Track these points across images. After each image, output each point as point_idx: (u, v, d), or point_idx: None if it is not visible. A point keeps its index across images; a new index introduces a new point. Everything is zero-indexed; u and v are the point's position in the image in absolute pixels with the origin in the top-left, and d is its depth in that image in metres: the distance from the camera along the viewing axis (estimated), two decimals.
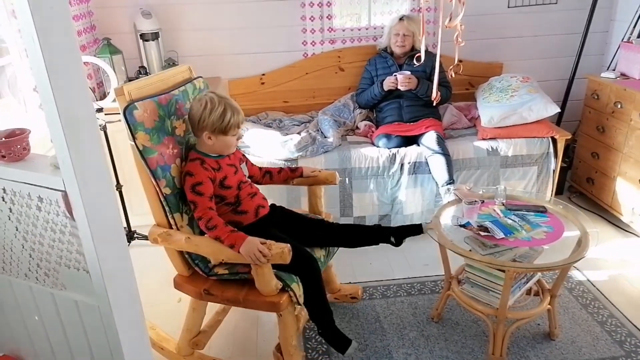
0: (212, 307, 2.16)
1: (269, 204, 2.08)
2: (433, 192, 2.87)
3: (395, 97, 3.07)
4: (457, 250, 1.96)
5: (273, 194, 2.73)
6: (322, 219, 2.17)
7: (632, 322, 2.23)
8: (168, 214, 1.81)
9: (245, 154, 2.15)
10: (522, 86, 3.02)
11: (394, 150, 2.84)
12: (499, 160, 2.91)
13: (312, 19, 3.30)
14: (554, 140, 2.91)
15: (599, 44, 3.57)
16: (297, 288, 1.80)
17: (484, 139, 2.94)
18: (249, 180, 2.03)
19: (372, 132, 3.07)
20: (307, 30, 3.33)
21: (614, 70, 3.18)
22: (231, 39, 3.30)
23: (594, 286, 2.48)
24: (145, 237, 2.78)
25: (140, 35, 3.04)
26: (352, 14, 3.42)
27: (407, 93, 3.02)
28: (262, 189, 2.64)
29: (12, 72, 2.38)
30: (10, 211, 1.39)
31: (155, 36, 3.06)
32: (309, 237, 2.02)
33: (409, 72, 2.98)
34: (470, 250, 2.00)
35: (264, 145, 2.83)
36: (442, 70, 2.83)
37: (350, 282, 2.55)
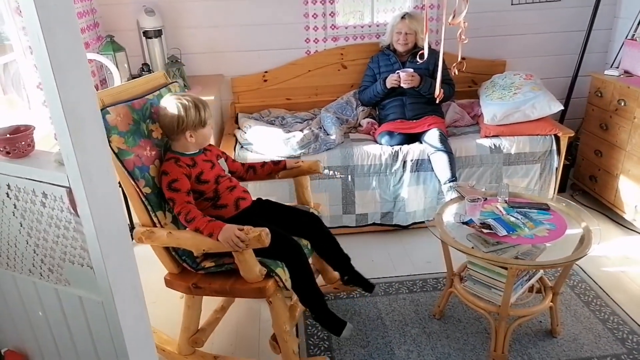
0: (211, 306, 2.17)
1: (255, 198, 2.12)
2: (435, 190, 2.87)
3: (398, 95, 3.07)
4: (460, 248, 1.97)
5: (275, 191, 2.74)
6: (307, 210, 2.18)
7: (634, 320, 2.23)
8: (151, 212, 1.86)
9: (224, 152, 2.18)
10: (525, 84, 3.02)
11: (397, 147, 2.84)
12: (501, 158, 2.91)
13: (315, 16, 3.29)
14: (557, 138, 2.91)
15: (603, 41, 3.55)
16: (283, 273, 1.83)
17: (486, 137, 2.93)
18: (229, 175, 2.07)
19: (375, 129, 3.07)
20: (310, 28, 3.33)
21: (617, 67, 3.17)
22: (234, 36, 3.30)
23: (596, 284, 2.48)
24: None
25: (144, 32, 3.05)
26: (355, 11, 3.42)
27: (410, 90, 3.01)
28: (266, 187, 2.65)
29: (16, 69, 2.38)
30: (15, 207, 1.40)
31: (158, 33, 3.07)
32: (295, 227, 2.05)
33: (411, 70, 2.98)
34: (472, 248, 2.00)
35: (267, 143, 2.84)
36: (445, 68, 2.83)
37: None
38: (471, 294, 2.08)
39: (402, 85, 2.98)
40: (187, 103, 1.86)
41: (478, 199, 2.12)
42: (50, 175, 1.27)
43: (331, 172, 2.82)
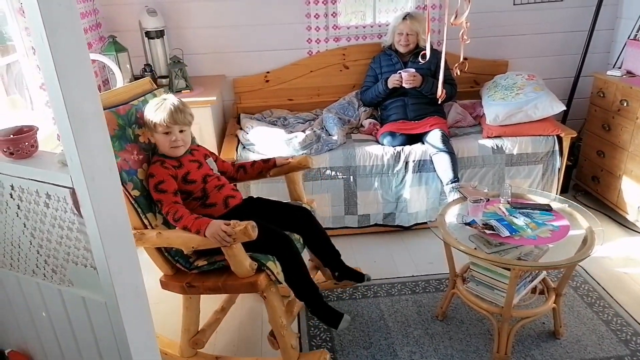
0: (210, 307, 2.17)
1: (247, 196, 2.14)
2: (438, 191, 2.86)
3: (400, 95, 3.06)
4: (462, 249, 1.96)
5: (277, 191, 2.73)
6: (298, 206, 2.19)
7: (637, 321, 2.22)
8: (141, 214, 1.88)
9: (213, 153, 2.20)
10: (527, 84, 3.01)
11: (399, 148, 2.84)
12: (504, 159, 2.90)
13: (316, 16, 3.29)
14: (560, 139, 2.91)
15: (605, 41, 3.55)
16: (274, 266, 1.83)
17: (489, 137, 2.93)
18: (217, 174, 2.08)
19: (377, 130, 3.07)
20: (312, 28, 3.33)
21: (620, 68, 3.17)
22: (236, 37, 3.31)
23: (600, 285, 2.47)
24: None
25: (146, 33, 3.05)
26: (357, 11, 3.42)
27: (412, 91, 3.01)
28: (267, 187, 2.65)
29: (19, 69, 2.39)
30: (19, 208, 1.40)
31: (160, 34, 3.07)
32: (287, 222, 2.05)
33: (413, 70, 2.98)
34: (475, 249, 2.00)
35: (269, 143, 2.84)
36: (447, 68, 2.83)
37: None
38: (474, 295, 2.07)
39: (404, 85, 2.97)
40: (155, 101, 1.92)
41: (480, 199, 2.12)
42: (53, 175, 1.27)
43: (333, 173, 2.82)
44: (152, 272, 2.24)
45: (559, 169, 2.96)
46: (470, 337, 2.17)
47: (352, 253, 2.80)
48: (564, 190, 3.27)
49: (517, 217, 2.08)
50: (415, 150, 2.83)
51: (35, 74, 2.35)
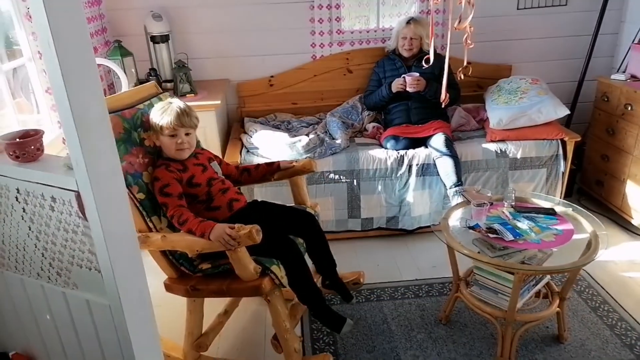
0: (214, 310, 2.17)
1: (252, 200, 2.15)
2: (441, 194, 2.86)
3: (403, 99, 3.07)
4: (466, 252, 1.96)
5: (280, 195, 2.74)
6: (302, 210, 2.19)
7: None
8: (146, 217, 1.88)
9: (217, 156, 2.20)
10: (531, 88, 3.01)
11: (402, 152, 2.85)
12: (507, 163, 2.90)
13: (320, 21, 3.30)
14: (564, 143, 2.90)
15: (609, 45, 3.54)
16: (278, 270, 1.83)
17: (492, 141, 2.93)
18: (222, 177, 2.09)
19: (380, 133, 3.08)
20: (316, 33, 3.34)
21: (624, 72, 3.16)
22: (240, 41, 3.32)
23: (604, 289, 2.46)
24: None
25: (151, 37, 3.07)
26: (361, 16, 3.43)
27: (416, 95, 3.01)
28: (270, 189, 2.66)
29: (25, 73, 2.41)
30: (24, 211, 1.41)
31: (165, 38, 3.09)
32: (290, 226, 2.05)
33: (417, 74, 2.98)
34: (478, 252, 1.99)
35: (273, 147, 2.84)
36: (450, 72, 2.83)
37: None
38: (477, 299, 2.07)
39: (407, 89, 2.98)
40: (161, 104, 1.93)
41: (484, 203, 2.12)
42: (59, 179, 1.28)
43: (336, 177, 2.82)
44: (155, 274, 2.25)
45: (563, 173, 2.95)
46: (474, 341, 2.17)
47: (355, 257, 2.80)
48: (568, 194, 3.26)
49: (521, 221, 2.08)
50: (418, 154, 2.83)
51: (41, 78, 2.36)
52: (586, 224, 2.10)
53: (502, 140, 2.92)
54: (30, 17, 2.23)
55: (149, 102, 2.06)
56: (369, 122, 3.22)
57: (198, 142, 2.17)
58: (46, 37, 1.05)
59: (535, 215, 2.14)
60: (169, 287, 1.98)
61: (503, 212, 2.16)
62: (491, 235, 1.98)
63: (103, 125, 1.21)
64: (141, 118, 1.98)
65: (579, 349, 2.10)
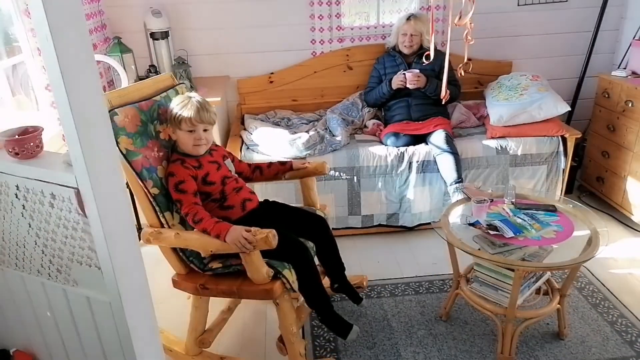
0: (217, 306, 2.17)
1: (263, 200, 2.12)
2: (441, 191, 2.86)
3: (403, 96, 3.06)
4: (466, 249, 1.96)
5: (281, 193, 2.74)
6: (314, 213, 2.18)
7: None
8: (159, 213, 1.87)
9: (230, 153, 2.19)
10: (531, 85, 3.01)
11: (402, 148, 2.84)
12: (508, 159, 2.90)
13: (320, 17, 3.30)
14: (564, 139, 2.90)
15: (610, 42, 3.53)
16: (290, 274, 1.83)
17: (493, 138, 2.92)
18: (235, 175, 2.07)
19: (381, 130, 3.07)
20: (316, 29, 3.33)
21: (624, 68, 3.15)
22: (240, 38, 3.31)
23: (604, 286, 2.46)
24: None
25: (151, 34, 3.06)
26: (361, 12, 3.42)
27: (416, 91, 3.01)
28: (271, 188, 2.66)
29: (24, 70, 2.40)
30: (24, 208, 1.41)
31: (165, 35, 3.08)
32: (301, 229, 2.04)
33: (417, 70, 2.98)
34: (479, 249, 1.99)
35: (273, 144, 2.84)
36: (451, 69, 2.82)
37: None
38: (478, 295, 2.07)
39: (407, 86, 2.97)
40: (180, 99, 1.90)
41: (484, 200, 2.12)
42: (58, 176, 1.28)
43: (337, 173, 2.82)
44: (160, 268, 2.26)
45: (564, 170, 2.95)
46: (474, 337, 2.17)
47: (355, 254, 2.80)
48: (568, 191, 3.26)
49: (521, 218, 2.07)
50: (419, 151, 2.83)
51: (40, 75, 2.36)
52: (586, 221, 2.10)
53: (503, 137, 2.92)
54: (29, 13, 2.22)
55: (165, 94, 2.03)
56: (369, 119, 3.22)
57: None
58: (45, 34, 1.05)
59: (536, 212, 2.13)
60: (177, 283, 1.96)
61: (503, 208, 2.16)
62: (491, 232, 1.98)
63: (102, 122, 1.21)
64: (157, 110, 1.94)
65: (580, 345, 2.10)
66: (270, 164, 2.23)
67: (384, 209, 2.93)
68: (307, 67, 3.41)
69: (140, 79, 2.89)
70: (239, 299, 1.88)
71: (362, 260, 2.73)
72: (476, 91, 3.45)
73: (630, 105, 2.90)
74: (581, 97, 3.46)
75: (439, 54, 2.94)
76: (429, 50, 1.89)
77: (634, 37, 3.24)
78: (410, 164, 2.82)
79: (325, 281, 2.36)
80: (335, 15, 3.31)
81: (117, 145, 1.75)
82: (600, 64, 3.52)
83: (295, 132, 2.97)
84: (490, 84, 3.25)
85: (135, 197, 1.88)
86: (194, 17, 3.23)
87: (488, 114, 3.04)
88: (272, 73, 3.41)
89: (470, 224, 2.07)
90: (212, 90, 3.04)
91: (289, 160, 2.25)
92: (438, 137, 2.82)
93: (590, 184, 3.33)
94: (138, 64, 3.11)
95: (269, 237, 1.67)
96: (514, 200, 2.22)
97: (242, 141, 3.02)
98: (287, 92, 3.45)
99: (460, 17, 1.69)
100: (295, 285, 1.85)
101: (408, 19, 3.04)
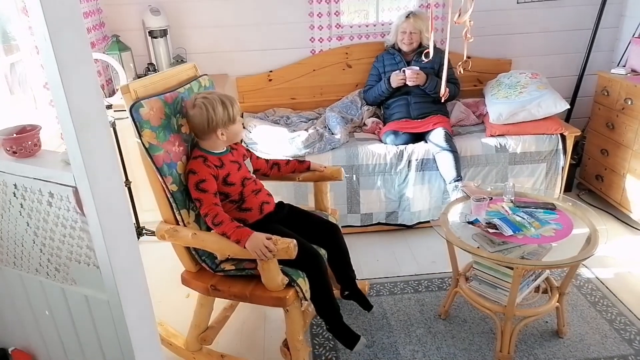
0: (220, 304, 2.17)
1: (277, 202, 2.09)
2: (441, 189, 2.86)
3: (403, 94, 3.06)
4: (465, 247, 1.96)
5: (280, 191, 2.74)
6: (327, 220, 2.16)
7: None
8: (175, 210, 1.83)
9: (249, 149, 2.17)
10: (531, 82, 3.00)
11: (402, 147, 2.84)
12: (507, 157, 2.90)
13: (319, 15, 3.29)
14: (563, 137, 2.90)
15: (609, 39, 3.53)
16: (304, 283, 1.81)
17: (492, 136, 2.92)
18: (254, 176, 2.05)
19: (380, 128, 3.07)
20: (315, 27, 3.33)
21: (624, 66, 3.16)
22: (239, 36, 3.31)
23: (603, 284, 2.46)
24: (154, 233, 2.80)
25: (149, 32, 3.06)
26: (360, 10, 3.41)
27: (415, 89, 3.01)
28: (271, 185, 2.65)
29: (22, 68, 2.40)
30: (22, 207, 1.40)
31: (163, 33, 3.07)
32: (314, 235, 2.03)
33: (417, 67, 2.97)
34: (478, 247, 1.99)
35: (272, 142, 2.84)
36: (450, 67, 2.82)
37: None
38: (477, 294, 2.07)
39: (407, 83, 2.97)
40: (213, 101, 1.82)
41: (484, 198, 2.11)
42: (56, 174, 1.28)
43: None
44: (158, 267, 2.26)
45: (563, 168, 2.95)
46: (473, 336, 2.17)
47: (354, 252, 2.78)
48: (567, 189, 3.26)
49: (520, 216, 2.07)
50: (418, 149, 2.83)
51: (38, 73, 2.35)
52: (586, 219, 2.10)
53: (502, 135, 2.91)
54: (27, 11, 2.22)
55: (189, 85, 1.97)
56: (368, 117, 3.21)
57: None
58: (43, 32, 1.05)
59: (535, 210, 2.13)
60: (186, 281, 1.95)
61: (502, 207, 2.16)
62: (490, 230, 1.98)
63: (100, 120, 1.21)
64: (181, 103, 1.88)
65: (578, 343, 2.10)
66: (288, 161, 2.22)
67: (383, 207, 2.92)
68: (306, 65, 3.41)
69: (139, 77, 2.88)
70: (251, 303, 1.86)
71: (361, 259, 2.73)
72: (475, 89, 3.45)
73: (629, 103, 2.90)
74: (580, 94, 3.46)
75: (439, 52, 2.94)
76: (428, 48, 1.89)
77: (633, 35, 3.24)
78: (409, 162, 2.82)
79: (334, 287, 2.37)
80: (335, 13, 3.30)
81: (140, 139, 1.70)
82: (600, 61, 3.52)
83: (295, 131, 2.97)
84: (490, 82, 3.24)
85: (153, 192, 1.84)
86: (192, 15, 3.23)
87: (487, 112, 3.04)
88: (271, 71, 3.40)
89: (469, 222, 2.07)
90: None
91: (307, 160, 2.24)
92: (437, 135, 2.82)
93: (590, 182, 3.33)
94: (136, 62, 3.10)
95: (290, 247, 1.66)
96: (513, 198, 2.21)
97: (241, 140, 3.01)
98: (286, 90, 3.44)
99: (459, 15, 1.69)
100: (308, 294, 1.83)
101: (407, 16, 3.03)
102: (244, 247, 1.69)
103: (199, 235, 1.80)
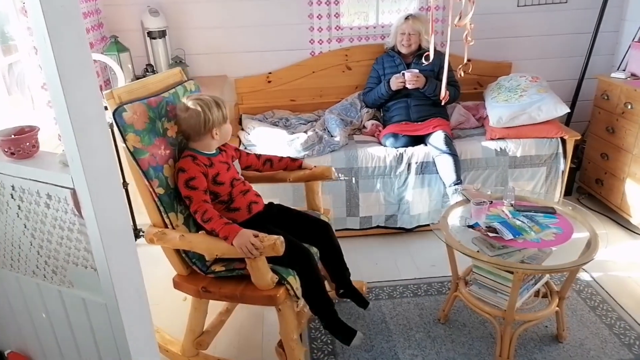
0: (216, 308, 2.16)
1: (267, 202, 2.11)
2: (440, 193, 2.85)
3: (402, 97, 3.05)
4: (465, 251, 1.95)
5: (278, 193, 2.73)
6: (318, 218, 2.16)
7: None
8: (163, 213, 1.83)
9: (238, 149, 2.18)
10: (531, 86, 3.00)
11: (401, 149, 2.83)
12: (507, 161, 2.89)
13: (319, 17, 3.28)
14: (563, 141, 2.89)
15: (609, 43, 3.53)
16: (294, 281, 1.81)
17: (492, 139, 2.92)
18: (242, 178, 2.06)
19: (379, 131, 3.06)
20: (315, 29, 3.32)
21: (624, 70, 3.15)
22: (238, 37, 3.30)
23: (603, 288, 2.46)
24: None
25: (148, 33, 3.05)
26: (360, 12, 3.41)
27: (415, 92, 3.00)
28: (269, 187, 2.64)
29: (21, 69, 2.38)
30: (19, 208, 1.39)
31: (162, 34, 3.06)
32: (305, 234, 2.03)
33: (416, 70, 2.97)
34: (478, 251, 1.98)
35: (271, 144, 2.83)
36: (450, 70, 2.81)
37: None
38: (476, 298, 2.06)
39: (407, 85, 2.97)
40: (208, 102, 1.87)
41: (484, 202, 2.11)
42: (54, 176, 1.27)
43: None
44: (156, 270, 2.24)
45: (563, 172, 2.94)
46: (473, 340, 2.16)
47: (353, 255, 2.78)
48: (567, 193, 3.26)
49: (520, 220, 2.07)
50: (417, 152, 2.82)
51: (37, 74, 2.34)
52: (586, 223, 2.09)
53: (502, 139, 2.91)
54: (25, 11, 2.20)
55: (174, 90, 1.99)
56: (368, 120, 3.21)
57: None
58: (41, 33, 1.04)
59: (535, 213, 2.13)
60: (178, 285, 1.94)
61: (502, 210, 2.15)
62: (490, 234, 1.97)
63: (99, 122, 1.20)
64: (166, 107, 1.89)
65: (578, 348, 2.09)
66: (281, 158, 2.22)
67: (383, 211, 2.92)
68: (306, 67, 3.40)
69: (137, 78, 2.87)
70: (242, 303, 1.86)
71: (360, 262, 2.72)
72: (475, 92, 3.45)
73: (629, 107, 2.90)
74: (580, 98, 3.46)
75: (439, 55, 2.94)
76: (428, 51, 1.89)
77: (633, 39, 3.24)
78: (409, 165, 2.81)
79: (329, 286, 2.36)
80: (334, 15, 3.29)
81: (125, 143, 1.71)
82: (600, 65, 3.52)
83: (294, 133, 2.96)
84: (490, 85, 3.24)
85: (140, 196, 1.84)
86: (191, 16, 3.22)
87: (487, 115, 3.04)
88: (270, 73, 3.40)
89: (469, 226, 2.06)
90: (209, 89, 3.01)
91: (299, 158, 2.24)
92: (437, 138, 2.81)
93: (590, 186, 3.32)
94: (135, 63, 3.09)
95: (277, 244, 1.65)
96: (513, 202, 2.21)
97: (240, 141, 3.01)
98: (285, 92, 3.44)
99: (460, 18, 1.68)
100: (299, 292, 1.83)
101: (406, 18, 3.04)
102: (232, 244, 1.69)
103: (186, 237, 1.80)
